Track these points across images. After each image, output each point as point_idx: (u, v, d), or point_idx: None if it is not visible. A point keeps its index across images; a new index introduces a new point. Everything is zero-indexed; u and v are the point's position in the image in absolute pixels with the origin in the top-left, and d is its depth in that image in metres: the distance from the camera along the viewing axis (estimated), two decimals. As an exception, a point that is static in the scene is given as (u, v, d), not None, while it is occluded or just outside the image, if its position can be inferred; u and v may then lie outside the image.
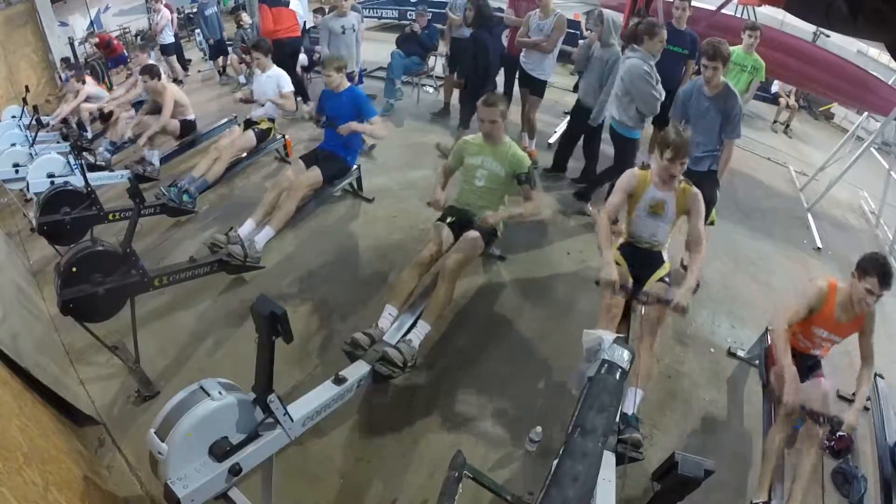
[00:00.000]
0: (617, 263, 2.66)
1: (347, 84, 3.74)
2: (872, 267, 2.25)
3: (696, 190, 2.60)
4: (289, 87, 4.44)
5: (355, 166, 4.08)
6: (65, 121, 5.49)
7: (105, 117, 5.36)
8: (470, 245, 2.77)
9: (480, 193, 2.98)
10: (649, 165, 2.64)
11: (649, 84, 3.50)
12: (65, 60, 7.15)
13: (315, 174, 3.62)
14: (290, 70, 5.36)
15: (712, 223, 3.57)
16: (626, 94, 3.56)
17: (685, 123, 3.30)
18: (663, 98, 3.62)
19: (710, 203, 3.39)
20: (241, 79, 6.66)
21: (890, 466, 2.29)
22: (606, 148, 4.13)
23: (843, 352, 2.68)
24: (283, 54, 5.18)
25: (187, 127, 4.80)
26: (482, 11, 4.35)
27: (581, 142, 4.49)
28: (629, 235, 2.75)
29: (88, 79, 5.83)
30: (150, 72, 4.54)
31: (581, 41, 4.32)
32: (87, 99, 5.54)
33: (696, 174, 3.40)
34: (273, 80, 4.42)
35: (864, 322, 2.40)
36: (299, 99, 5.47)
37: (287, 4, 5.52)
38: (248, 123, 4.50)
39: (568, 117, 6.00)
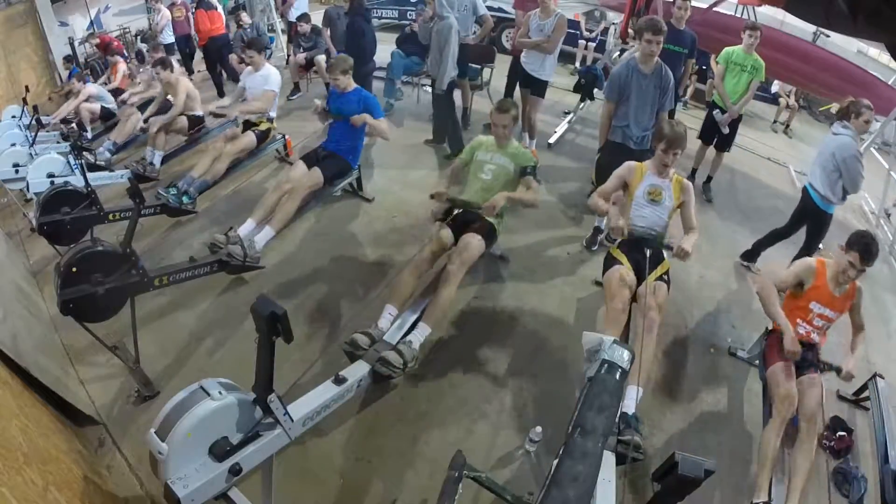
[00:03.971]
0: (618, 261, 2.70)
1: (354, 85, 3.79)
2: (857, 242, 2.48)
3: (688, 182, 2.86)
4: (273, 86, 4.38)
5: (356, 167, 4.08)
6: (65, 120, 5.51)
7: (106, 117, 5.38)
8: (471, 248, 2.80)
9: (486, 187, 3.08)
10: (667, 165, 2.77)
11: (860, 164, 3.42)
12: (67, 58, 7.15)
13: (316, 175, 3.62)
14: (221, 60, 6.83)
15: None
16: (836, 170, 3.43)
17: (622, 102, 3.42)
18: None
19: None
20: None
21: (891, 485, 2.25)
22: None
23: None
24: (216, 48, 6.68)
25: (195, 122, 4.84)
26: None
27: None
28: (628, 227, 2.76)
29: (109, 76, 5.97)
30: (163, 63, 4.70)
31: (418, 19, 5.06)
32: (88, 99, 5.56)
33: (645, 153, 3.45)
34: (263, 79, 4.40)
35: (854, 296, 2.60)
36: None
37: (216, 8, 6.76)
38: (247, 125, 4.49)
39: (567, 116, 6.06)
